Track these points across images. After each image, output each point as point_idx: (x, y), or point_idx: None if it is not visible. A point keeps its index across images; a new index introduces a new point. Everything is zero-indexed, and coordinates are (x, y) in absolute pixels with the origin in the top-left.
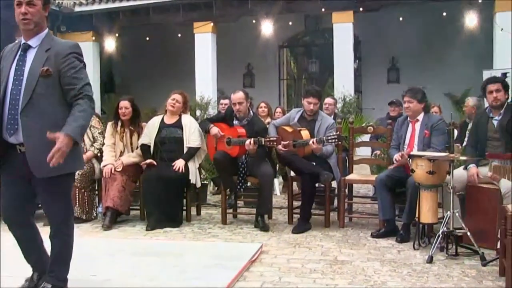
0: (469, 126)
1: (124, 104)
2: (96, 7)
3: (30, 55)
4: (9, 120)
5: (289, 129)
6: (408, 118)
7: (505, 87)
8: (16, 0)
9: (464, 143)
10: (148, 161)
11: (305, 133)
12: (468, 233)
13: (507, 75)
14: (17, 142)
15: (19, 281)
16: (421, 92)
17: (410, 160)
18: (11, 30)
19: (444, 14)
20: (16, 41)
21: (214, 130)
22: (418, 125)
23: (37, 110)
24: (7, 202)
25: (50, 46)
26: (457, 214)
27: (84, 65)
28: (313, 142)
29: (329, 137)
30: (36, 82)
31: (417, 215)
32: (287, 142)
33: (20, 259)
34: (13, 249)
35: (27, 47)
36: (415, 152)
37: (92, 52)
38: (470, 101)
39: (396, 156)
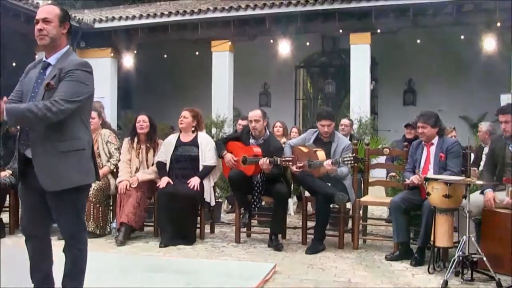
0: (485, 150)
1: (143, 117)
2: (115, 24)
3: (47, 73)
4: (23, 135)
5: (305, 149)
6: (423, 142)
7: None
8: (35, 19)
9: (481, 168)
10: (165, 181)
11: (320, 154)
12: (484, 258)
13: None
14: (31, 156)
15: None
16: (434, 117)
17: (426, 183)
18: (31, 44)
19: (462, 37)
20: (38, 58)
21: (228, 157)
22: (433, 149)
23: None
24: (25, 214)
25: (63, 63)
26: (473, 239)
27: (91, 82)
28: (328, 164)
29: (345, 159)
30: (42, 97)
31: (432, 239)
32: (302, 163)
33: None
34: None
35: (46, 65)
36: (431, 175)
37: (110, 68)
38: (483, 126)
39: (413, 178)
